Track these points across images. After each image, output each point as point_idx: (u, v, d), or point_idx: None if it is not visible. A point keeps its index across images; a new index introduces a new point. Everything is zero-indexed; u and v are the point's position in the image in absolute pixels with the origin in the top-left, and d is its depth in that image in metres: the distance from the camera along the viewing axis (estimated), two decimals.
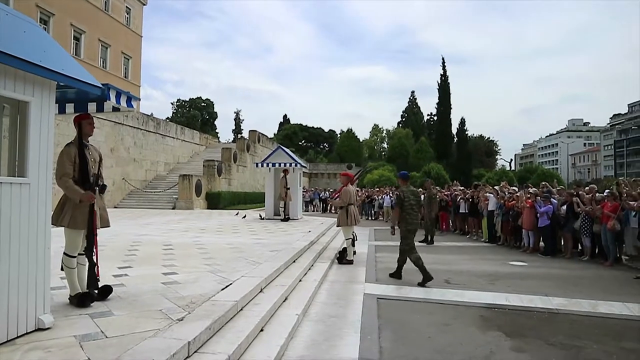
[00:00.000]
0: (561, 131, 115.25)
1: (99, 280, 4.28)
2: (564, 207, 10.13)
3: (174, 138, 29.94)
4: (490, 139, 77.47)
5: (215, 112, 73.30)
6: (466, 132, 62.69)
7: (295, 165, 16.35)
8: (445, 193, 16.64)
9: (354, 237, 8.76)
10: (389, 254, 10.23)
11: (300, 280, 6.32)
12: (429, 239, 12.50)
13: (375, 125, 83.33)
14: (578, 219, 9.64)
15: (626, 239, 8.74)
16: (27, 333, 3.19)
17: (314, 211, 29.17)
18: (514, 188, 13.36)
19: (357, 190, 22.13)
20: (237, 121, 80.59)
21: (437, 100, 64.41)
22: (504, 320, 5.09)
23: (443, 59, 64.97)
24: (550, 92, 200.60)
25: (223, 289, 4.78)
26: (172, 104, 73.16)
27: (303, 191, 22.88)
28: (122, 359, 2.83)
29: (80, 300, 4.00)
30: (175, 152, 30.05)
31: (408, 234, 7.12)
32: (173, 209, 22.21)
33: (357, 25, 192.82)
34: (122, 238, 9.33)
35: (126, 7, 34.80)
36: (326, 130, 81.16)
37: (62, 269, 4.08)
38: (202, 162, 27.00)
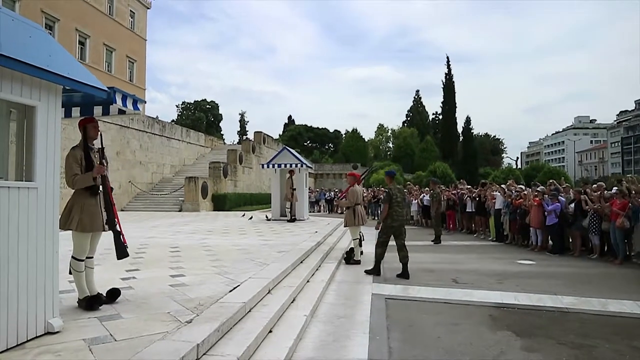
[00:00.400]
0: (567, 128, 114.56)
1: (127, 247, 4.42)
2: (572, 205, 10.06)
3: (179, 140, 30.04)
4: (496, 137, 77.30)
5: (220, 114, 73.59)
6: (472, 131, 62.45)
7: (301, 165, 16.35)
8: (452, 192, 16.58)
9: (361, 237, 8.74)
10: (395, 253, 10.20)
11: (307, 281, 6.31)
12: (439, 237, 12.50)
13: (380, 124, 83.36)
14: (586, 217, 9.56)
15: (635, 237, 8.66)
16: (36, 337, 3.20)
17: (320, 212, 29.14)
18: (521, 186, 13.28)
19: (364, 190, 22.06)
20: (242, 123, 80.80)
21: (442, 99, 64.22)
22: (514, 319, 5.05)
23: (448, 57, 64.96)
24: (555, 90, 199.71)
25: (231, 291, 4.78)
26: (177, 106, 73.46)
27: (309, 192, 22.87)
28: None
29: (88, 304, 4.01)
30: (180, 155, 30.15)
31: (389, 229, 7.45)
32: (179, 211, 22.28)
33: (361, 24, 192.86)
34: (129, 241, 9.32)
35: (130, 11, 35.00)
36: (331, 130, 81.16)
37: (70, 273, 4.09)
38: (207, 164, 27.07)
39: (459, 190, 16.15)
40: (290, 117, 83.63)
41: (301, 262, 7.28)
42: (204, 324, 3.59)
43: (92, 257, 4.21)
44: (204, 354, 3.22)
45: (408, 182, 27.10)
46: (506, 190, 12.43)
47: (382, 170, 47.10)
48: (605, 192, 9.68)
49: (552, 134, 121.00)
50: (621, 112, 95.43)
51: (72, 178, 3.94)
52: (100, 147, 4.22)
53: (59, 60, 3.24)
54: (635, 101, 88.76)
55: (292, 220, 15.28)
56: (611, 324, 4.91)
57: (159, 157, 27.20)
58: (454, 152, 60.14)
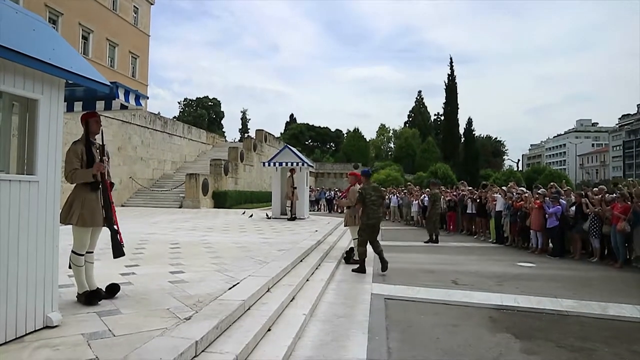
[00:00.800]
0: (569, 131, 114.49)
1: (123, 246, 4.36)
2: (573, 208, 10.04)
3: (181, 137, 30.04)
4: (498, 139, 77.24)
5: (222, 112, 73.58)
6: (473, 132, 62.35)
7: (302, 164, 16.34)
8: (453, 193, 16.58)
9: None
10: (396, 253, 10.20)
11: (307, 280, 6.30)
12: (434, 237, 12.53)
13: (382, 125, 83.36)
14: (587, 220, 9.55)
15: (635, 241, 8.64)
16: (35, 331, 3.20)
17: (320, 211, 29.13)
18: (522, 188, 13.26)
19: None
20: (244, 120, 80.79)
21: (444, 100, 64.16)
22: (513, 321, 5.04)
23: (451, 58, 64.65)
24: (557, 92, 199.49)
25: (230, 288, 4.77)
26: (179, 103, 73.54)
27: (309, 191, 22.87)
28: (129, 358, 2.82)
29: (88, 299, 4.00)
30: (182, 151, 30.15)
31: (366, 227, 7.64)
32: (180, 207, 22.28)
33: (363, 24, 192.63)
34: (129, 237, 9.31)
35: (134, 6, 34.97)
36: (333, 129, 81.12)
37: (70, 267, 4.09)
38: (209, 161, 27.07)
39: (459, 192, 16.14)
40: (292, 115, 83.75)
41: (301, 260, 7.27)
42: (203, 321, 3.59)
43: (92, 252, 4.21)
44: (203, 351, 3.21)
45: (409, 183, 27.10)
46: (507, 192, 12.41)
47: (383, 170, 47.21)
48: (607, 195, 9.67)
49: (554, 137, 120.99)
50: (623, 115, 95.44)
51: (71, 172, 3.93)
52: (101, 143, 4.21)
53: (62, 54, 3.23)
54: (637, 105, 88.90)
55: (293, 218, 15.27)
56: (611, 327, 4.90)
57: (160, 153, 27.20)
58: (455, 153, 60.06)
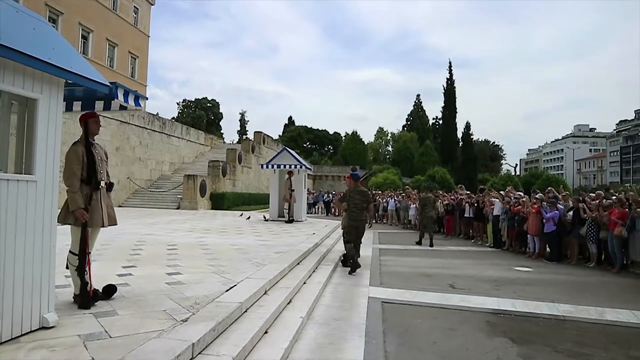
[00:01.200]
0: (567, 136, 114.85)
1: (93, 299, 4.03)
2: (570, 212, 10.06)
3: (179, 138, 30.01)
4: (496, 143, 77.39)
5: (221, 113, 73.47)
6: (471, 137, 62.48)
7: (300, 167, 16.34)
8: (451, 197, 16.60)
9: None
10: (393, 257, 10.21)
11: (304, 283, 6.29)
12: (424, 240, 12.66)
13: (380, 128, 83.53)
14: (584, 225, 9.57)
15: (631, 246, 8.66)
16: (31, 331, 3.18)
17: (318, 213, 29.10)
18: (519, 193, 13.29)
19: None
20: (242, 122, 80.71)
21: (442, 104, 64.27)
22: (511, 326, 5.03)
23: (450, 62, 64.92)
24: (555, 97, 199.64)
25: (227, 290, 4.76)
26: (177, 104, 73.36)
27: (307, 193, 22.86)
28: None
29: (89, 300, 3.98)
30: (180, 152, 30.13)
31: (349, 229, 7.86)
32: (177, 209, 22.25)
33: (362, 27, 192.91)
34: (126, 237, 9.34)
35: (134, 6, 34.99)
36: (331, 132, 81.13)
37: (67, 268, 4.07)
38: (207, 162, 27.05)
39: (457, 196, 16.16)
40: (290, 117, 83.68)
41: (298, 263, 7.26)
42: (200, 323, 3.58)
43: (89, 253, 4.18)
44: (199, 354, 3.20)
45: (407, 186, 27.10)
46: (505, 196, 12.43)
47: (380, 173, 47.22)
48: (604, 200, 9.69)
49: (552, 142, 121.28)
50: (621, 121, 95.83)
51: (70, 182, 3.90)
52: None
53: (62, 53, 3.22)
54: (635, 111, 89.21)
55: (290, 221, 15.26)
56: (608, 332, 4.90)
57: (159, 154, 27.17)
58: (453, 157, 60.15)
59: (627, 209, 8.76)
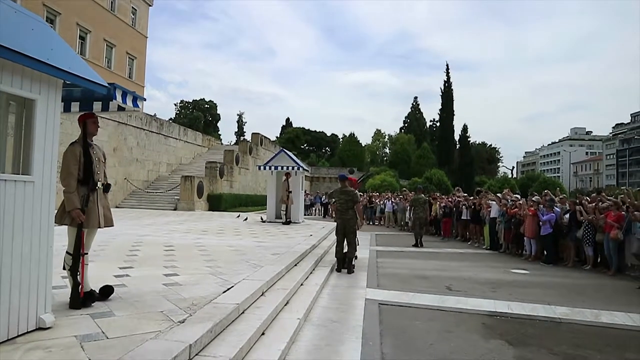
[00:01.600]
0: (563, 139, 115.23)
1: (86, 299, 4.01)
2: (567, 215, 10.10)
3: (176, 139, 29.97)
4: (493, 146, 77.54)
5: (218, 114, 73.42)
6: (468, 139, 62.65)
7: (298, 168, 16.34)
8: (449, 200, 16.64)
9: (356, 242, 8.72)
10: (390, 259, 10.22)
11: (301, 284, 6.29)
12: (419, 242, 12.87)
13: (377, 130, 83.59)
14: (581, 228, 9.60)
15: (627, 249, 8.70)
16: (27, 332, 3.17)
17: (314, 215, 29.10)
18: (516, 195, 13.32)
19: (361, 195, 22.10)
20: (240, 123, 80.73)
21: (440, 107, 64.40)
22: (507, 328, 5.05)
23: (447, 65, 65.30)
24: (552, 100, 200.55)
25: (225, 292, 4.76)
26: (175, 105, 73.11)
27: (304, 195, 22.86)
28: None
29: (81, 300, 3.97)
30: (177, 153, 30.08)
31: (336, 226, 8.30)
32: (174, 209, 22.21)
33: (360, 29, 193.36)
34: (123, 238, 9.32)
35: (132, 7, 34.91)
36: (328, 134, 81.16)
37: (64, 268, 4.05)
38: (204, 163, 27.01)
39: (455, 198, 16.19)
40: (288, 119, 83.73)
41: (295, 265, 7.26)
42: (197, 324, 3.57)
43: (86, 254, 4.17)
44: (196, 355, 3.20)
45: (404, 188, 27.13)
46: (502, 199, 12.46)
47: (378, 175, 47.25)
48: (600, 203, 9.73)
49: (548, 145, 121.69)
50: (617, 124, 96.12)
51: (67, 182, 3.89)
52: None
53: (61, 54, 3.22)
54: (631, 114, 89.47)
55: (287, 222, 15.26)
56: (604, 335, 4.92)
57: (156, 155, 27.12)
58: (450, 159, 60.26)
59: (623, 212, 8.80)
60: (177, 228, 12.49)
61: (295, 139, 73.14)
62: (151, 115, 28.36)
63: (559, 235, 10.22)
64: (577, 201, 10.35)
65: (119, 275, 5.50)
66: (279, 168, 16.25)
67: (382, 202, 23.00)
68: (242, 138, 68.73)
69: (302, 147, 74.35)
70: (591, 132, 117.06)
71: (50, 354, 2.87)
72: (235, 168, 29.13)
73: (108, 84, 3.62)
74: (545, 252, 10.53)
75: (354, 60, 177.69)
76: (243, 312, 4.34)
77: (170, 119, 56.51)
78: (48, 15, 25.78)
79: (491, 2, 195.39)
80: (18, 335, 3.10)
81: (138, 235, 10.04)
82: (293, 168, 16.18)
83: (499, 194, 13.32)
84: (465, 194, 16.57)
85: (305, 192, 24.76)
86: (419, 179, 44.63)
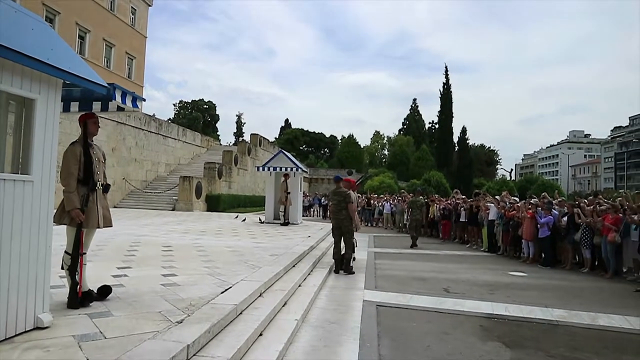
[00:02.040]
0: (562, 142, 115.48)
1: (80, 299, 3.98)
2: (565, 218, 10.12)
3: (175, 139, 29.96)
4: (491, 148, 77.69)
5: (217, 115, 73.44)
6: (467, 141, 62.73)
7: (296, 169, 16.35)
8: (448, 202, 16.66)
9: (354, 243, 8.73)
10: (388, 260, 10.22)
11: (299, 285, 6.30)
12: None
13: (376, 131, 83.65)
14: (578, 231, 9.62)
15: (625, 252, 8.72)
16: (25, 331, 3.17)
17: (313, 216, 29.10)
18: (514, 198, 13.35)
19: (358, 196, 22.11)
20: (239, 124, 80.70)
21: (438, 109, 64.46)
22: (504, 330, 5.06)
23: (446, 67, 65.45)
24: (551, 103, 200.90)
25: (223, 292, 4.76)
26: (174, 105, 73.27)
27: (303, 196, 22.86)
28: None
29: (79, 300, 3.97)
30: (176, 154, 30.06)
31: (332, 226, 8.41)
32: (173, 210, 22.20)
33: (359, 31, 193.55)
34: (121, 238, 9.31)
35: (132, 7, 34.90)
36: (327, 135, 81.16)
37: (62, 268, 4.06)
38: (202, 164, 27.00)
39: (454, 200, 16.21)
40: (287, 120, 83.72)
41: (293, 266, 7.26)
42: (195, 324, 3.58)
43: (85, 253, 4.17)
44: (194, 355, 3.21)
45: (402, 190, 27.13)
46: (500, 201, 12.48)
47: (376, 177, 47.28)
48: (598, 206, 9.75)
49: (547, 147, 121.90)
50: (615, 127, 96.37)
51: (67, 182, 3.89)
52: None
53: (61, 54, 3.22)
54: (629, 117, 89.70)
55: (286, 223, 15.26)
56: (601, 337, 4.94)
57: (154, 155, 27.10)
58: (449, 161, 60.32)
59: (620, 215, 8.82)
60: (176, 228, 12.49)
61: (294, 140, 73.16)
62: (150, 116, 28.34)
63: (556, 237, 10.23)
64: (575, 204, 10.37)
65: (117, 275, 5.50)
66: (278, 169, 16.26)
67: (380, 203, 22.99)
68: (241, 139, 68.62)
69: (301, 148, 74.35)
70: (589, 135, 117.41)
71: (48, 354, 2.88)
72: (234, 169, 29.12)
73: (107, 84, 3.63)
74: (543, 255, 10.55)
75: (354, 61, 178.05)
76: (241, 313, 4.35)
77: (169, 119, 56.56)
78: (47, 15, 25.76)
79: (490, 4, 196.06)
80: (16, 335, 3.10)
81: (136, 236, 10.04)
82: (292, 169, 16.18)
83: (497, 197, 13.35)
84: (464, 196, 16.59)
85: (303, 193, 24.78)
86: (417, 181, 44.73)
